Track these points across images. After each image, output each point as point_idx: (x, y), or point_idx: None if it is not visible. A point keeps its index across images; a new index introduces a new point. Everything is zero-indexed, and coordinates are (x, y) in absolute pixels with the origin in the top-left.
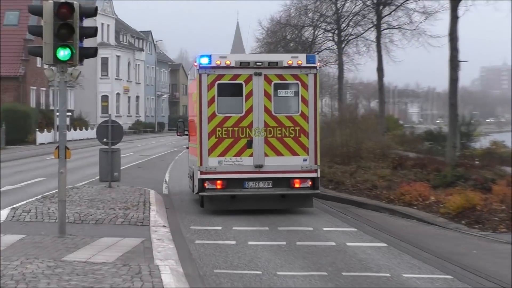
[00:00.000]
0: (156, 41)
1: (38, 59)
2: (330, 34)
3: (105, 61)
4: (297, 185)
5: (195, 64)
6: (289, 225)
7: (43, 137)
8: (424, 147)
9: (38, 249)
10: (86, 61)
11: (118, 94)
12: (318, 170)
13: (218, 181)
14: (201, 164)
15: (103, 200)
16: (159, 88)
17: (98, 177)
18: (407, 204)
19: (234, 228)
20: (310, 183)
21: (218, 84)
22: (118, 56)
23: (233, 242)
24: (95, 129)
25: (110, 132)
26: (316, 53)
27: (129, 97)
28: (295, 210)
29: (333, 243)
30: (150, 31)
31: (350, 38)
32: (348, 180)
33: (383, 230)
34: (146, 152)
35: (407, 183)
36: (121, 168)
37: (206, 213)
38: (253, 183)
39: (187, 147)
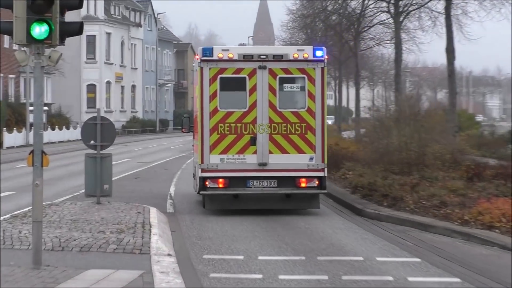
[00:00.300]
0: (157, 14)
1: (6, 37)
2: (384, 4)
3: (91, 40)
4: (303, 185)
5: (197, 56)
6: (332, 254)
7: (11, 138)
8: (508, 152)
9: (7, 284)
10: (68, 40)
11: (108, 83)
12: (325, 169)
13: (220, 180)
14: (202, 162)
15: (90, 221)
16: (161, 75)
17: (83, 190)
18: (486, 227)
19: (260, 258)
20: (317, 182)
21: (221, 78)
22: (108, 34)
23: (259, 276)
24: (79, 129)
25: (99, 133)
26: (365, 28)
27: (122, 87)
28: (336, 234)
29: (390, 278)
30: (150, 2)
31: (410, 9)
32: (409, 195)
33: (456, 261)
34: (145, 159)
35: (487, 199)
36: (113, 179)
37: (223, 238)
38: (257, 182)
39: (193, 145)
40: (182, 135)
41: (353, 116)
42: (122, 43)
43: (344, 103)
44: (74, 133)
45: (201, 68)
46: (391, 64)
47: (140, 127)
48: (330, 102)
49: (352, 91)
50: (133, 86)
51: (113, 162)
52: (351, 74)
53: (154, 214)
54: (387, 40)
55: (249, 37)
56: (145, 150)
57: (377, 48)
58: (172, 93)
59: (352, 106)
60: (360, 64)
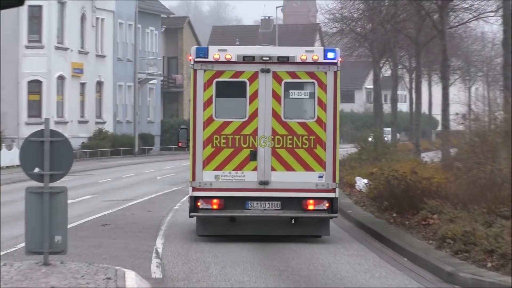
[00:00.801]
0: None
1: None
2: None
3: (35, 13)
4: (311, 207)
5: (190, 57)
6: None
7: None
8: None
9: None
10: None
11: (61, 78)
12: (337, 190)
13: (215, 200)
14: (193, 179)
15: None
16: (143, 67)
17: (23, 244)
18: None
19: None
20: (327, 205)
21: (217, 83)
22: (62, 4)
23: None
24: (16, 149)
25: (47, 156)
26: None
27: (83, 85)
28: None
29: None
30: None
31: None
32: None
33: None
34: (117, 195)
35: None
36: (69, 226)
37: None
38: (257, 203)
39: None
40: (174, 158)
41: (439, 128)
42: (83, 18)
43: (424, 109)
44: (8, 156)
45: (195, 71)
46: (496, 49)
47: (110, 146)
48: (403, 107)
49: (437, 90)
50: (100, 84)
51: (69, 201)
52: (435, 63)
53: (132, 282)
54: (490, 11)
55: (277, 7)
56: (117, 182)
57: (475, 23)
58: (159, 94)
59: (436, 113)
60: (450, 48)
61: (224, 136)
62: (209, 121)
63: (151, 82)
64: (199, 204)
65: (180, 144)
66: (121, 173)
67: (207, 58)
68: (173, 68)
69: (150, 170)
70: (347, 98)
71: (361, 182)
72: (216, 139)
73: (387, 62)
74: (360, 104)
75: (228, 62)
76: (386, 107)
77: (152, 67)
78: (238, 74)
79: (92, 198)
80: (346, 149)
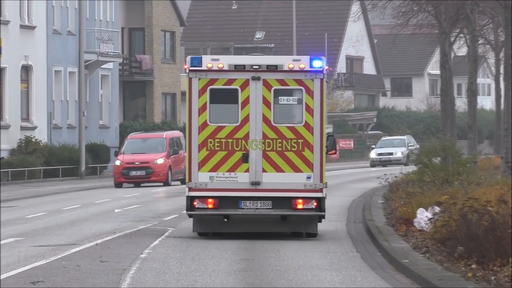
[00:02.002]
0: None
1: None
2: None
3: None
4: (300, 206)
5: (185, 66)
6: None
7: None
8: None
9: None
10: None
11: None
12: (324, 189)
13: (210, 200)
14: (190, 180)
15: None
16: (91, 44)
17: None
18: None
19: None
20: (315, 204)
21: (211, 90)
22: None
23: None
24: None
25: None
26: None
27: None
28: None
29: None
30: None
31: None
32: None
33: None
34: (54, 237)
35: None
36: None
37: None
38: (250, 202)
39: None
40: (145, 184)
41: None
42: None
43: None
44: None
45: (190, 79)
46: None
47: (43, 163)
48: (486, 102)
49: None
50: (26, 69)
51: None
52: None
53: None
54: None
55: None
56: (55, 218)
57: None
58: (117, 85)
59: None
60: None
61: (218, 140)
62: (203, 125)
63: (104, 66)
64: (195, 203)
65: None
66: (60, 204)
67: (201, 67)
68: (138, 45)
69: (105, 199)
70: (401, 89)
71: (423, 217)
72: (211, 142)
73: (461, 35)
74: (421, 98)
75: (220, 70)
76: (460, 103)
77: (107, 44)
78: (230, 81)
79: (16, 242)
80: (397, 168)
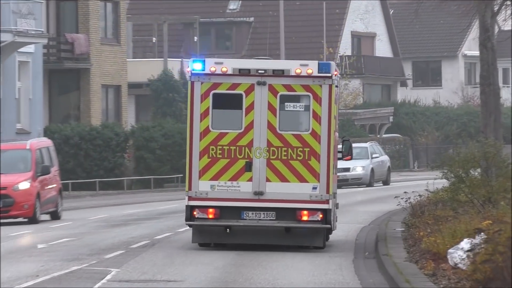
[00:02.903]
0: None
1: None
2: None
3: None
4: (305, 218)
5: (188, 69)
6: None
7: None
8: None
9: None
10: None
11: None
12: (331, 201)
13: (210, 209)
14: (190, 189)
15: None
16: (4, 20)
17: None
18: None
19: None
20: (320, 216)
21: (214, 94)
22: None
23: None
24: None
25: None
26: None
27: None
28: None
29: None
30: None
31: None
32: None
33: None
34: None
35: None
36: None
37: None
38: (252, 213)
39: None
40: (75, 204)
41: None
42: None
43: None
44: None
45: (192, 83)
46: None
47: None
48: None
49: None
50: None
51: None
52: None
53: None
54: None
55: None
56: None
57: None
58: (40, 75)
59: None
60: None
61: (220, 147)
62: (205, 132)
63: (23, 49)
64: (195, 213)
65: None
66: None
67: (204, 70)
68: (69, 21)
69: (24, 230)
70: (426, 77)
71: (458, 249)
72: (212, 149)
73: (508, 3)
74: (454, 89)
75: (224, 74)
76: (508, 94)
77: (26, 20)
78: (234, 86)
79: None
80: (421, 181)
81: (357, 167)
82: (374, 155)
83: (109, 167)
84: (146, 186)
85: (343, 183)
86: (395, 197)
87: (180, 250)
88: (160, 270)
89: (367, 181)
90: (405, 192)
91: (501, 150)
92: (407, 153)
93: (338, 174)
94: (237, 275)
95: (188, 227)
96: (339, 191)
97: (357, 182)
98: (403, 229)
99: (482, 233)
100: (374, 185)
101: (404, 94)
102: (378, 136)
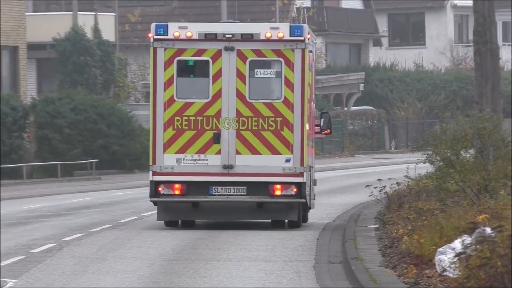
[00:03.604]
0: None
1: None
2: None
3: None
4: (278, 192)
5: (149, 35)
6: None
7: None
8: None
9: None
10: None
11: None
12: (305, 174)
13: (176, 185)
14: (154, 163)
15: None
16: None
17: None
18: None
19: None
20: (294, 190)
21: (178, 61)
22: None
23: None
24: None
25: None
26: None
27: None
28: None
29: None
30: None
31: None
32: None
33: None
34: None
35: None
36: None
37: None
38: (222, 188)
39: None
40: None
41: None
42: None
43: None
44: None
45: (155, 49)
46: None
47: None
48: None
49: None
50: None
51: None
52: None
53: None
54: None
55: None
56: None
57: None
58: None
59: None
60: None
61: (186, 118)
62: (170, 102)
63: None
64: (160, 189)
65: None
66: None
67: (167, 35)
68: None
69: None
70: (406, 34)
71: (446, 252)
72: (178, 120)
73: None
74: (441, 49)
75: (189, 40)
76: (509, 55)
77: None
78: (200, 52)
79: None
80: (400, 165)
81: None
82: None
83: (3, 151)
84: (51, 174)
85: None
86: (367, 185)
87: (95, 255)
88: (70, 281)
89: None
90: (379, 180)
91: (500, 125)
92: (382, 131)
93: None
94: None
95: (105, 226)
96: None
97: None
98: (377, 226)
99: (478, 230)
100: None
101: (378, 55)
102: (346, 109)
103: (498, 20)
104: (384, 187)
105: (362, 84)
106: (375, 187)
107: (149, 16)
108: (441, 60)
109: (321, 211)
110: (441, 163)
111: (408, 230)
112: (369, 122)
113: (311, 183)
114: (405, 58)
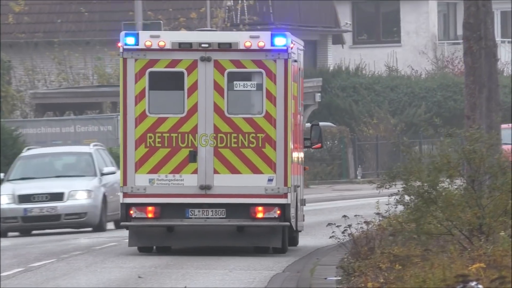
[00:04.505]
0: None
1: None
2: None
3: None
4: (260, 215)
5: (119, 44)
6: None
7: None
8: None
9: None
10: None
11: None
12: (289, 195)
13: (149, 208)
14: (125, 184)
15: None
16: None
17: None
18: None
19: None
20: (278, 212)
21: (150, 73)
22: None
23: None
24: None
25: None
26: None
27: None
28: None
29: None
30: None
31: None
32: None
33: None
34: None
35: None
36: None
37: None
38: (199, 211)
39: None
40: None
41: None
42: None
43: None
44: None
45: (124, 60)
46: None
47: None
48: None
49: None
50: None
51: None
52: None
53: None
54: None
55: None
56: None
57: None
58: None
59: None
60: None
61: (159, 135)
62: (141, 117)
63: None
64: (131, 212)
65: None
66: None
67: (138, 45)
68: None
69: None
70: (374, 28)
71: None
72: (150, 137)
73: None
74: (420, 47)
75: (162, 50)
76: (508, 55)
77: None
78: (174, 63)
79: None
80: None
81: (78, 192)
82: (105, 170)
83: None
84: None
85: (51, 222)
86: (328, 224)
87: None
88: None
89: (96, 219)
90: (344, 217)
91: (497, 146)
92: (345, 154)
93: (43, 206)
94: None
95: None
96: None
97: (76, 221)
98: (340, 277)
99: (470, 285)
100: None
101: (339, 56)
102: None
103: (495, 9)
104: (350, 226)
105: (319, 94)
106: (337, 226)
107: (39, 5)
108: (421, 62)
109: (268, 258)
110: (419, 198)
111: (380, 283)
112: (328, 143)
113: (298, 204)
114: (374, 59)
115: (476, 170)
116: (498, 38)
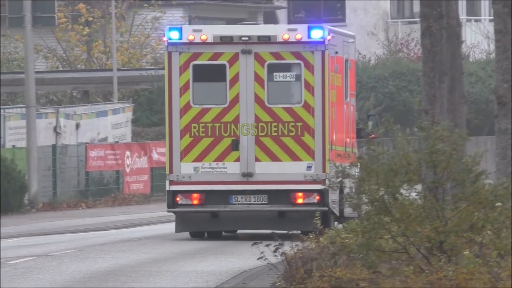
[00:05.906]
0: None
1: None
2: None
3: None
4: (300, 200)
5: (164, 39)
6: None
7: None
8: None
9: None
10: None
11: None
12: (327, 181)
13: (195, 194)
14: (171, 172)
15: None
16: None
17: None
18: None
19: None
20: (317, 197)
21: (194, 66)
22: None
23: None
24: None
25: None
26: None
27: None
28: None
29: None
30: None
31: None
32: None
33: None
34: None
35: None
36: None
37: None
38: (242, 197)
39: None
40: None
41: None
42: None
43: None
44: None
45: (169, 53)
46: None
47: None
48: None
49: None
50: None
51: None
52: None
53: None
54: None
55: None
56: None
57: None
58: None
59: None
60: None
61: (203, 124)
62: (186, 108)
63: None
64: (177, 199)
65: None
66: None
67: (182, 39)
68: None
69: None
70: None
71: None
72: (194, 127)
73: None
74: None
75: (205, 43)
76: (472, 36)
77: None
78: (216, 56)
79: None
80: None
81: None
82: None
83: None
84: None
85: None
86: (254, 243)
87: None
88: None
89: None
90: (273, 233)
91: (463, 147)
92: None
93: None
94: None
95: None
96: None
97: None
98: None
99: None
100: None
101: None
102: None
103: None
104: (282, 244)
105: None
106: (266, 245)
107: None
108: (370, 45)
109: (183, 284)
110: (373, 207)
111: None
112: None
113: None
114: None
115: (440, 177)
116: (462, 16)
